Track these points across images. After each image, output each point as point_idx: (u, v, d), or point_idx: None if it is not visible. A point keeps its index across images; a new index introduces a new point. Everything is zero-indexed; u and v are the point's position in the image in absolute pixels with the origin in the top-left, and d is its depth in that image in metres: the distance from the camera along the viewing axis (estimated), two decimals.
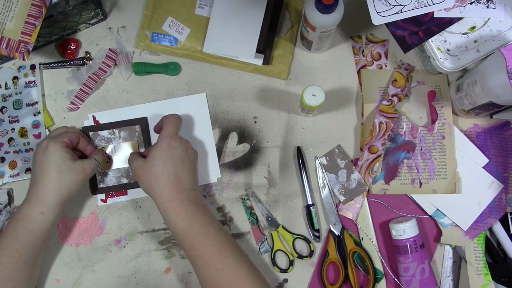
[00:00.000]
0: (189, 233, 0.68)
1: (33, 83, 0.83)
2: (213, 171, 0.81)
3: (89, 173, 0.73)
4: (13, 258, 0.68)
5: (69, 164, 0.71)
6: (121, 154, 0.81)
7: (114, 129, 0.80)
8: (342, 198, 0.79)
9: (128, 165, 0.78)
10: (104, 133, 0.80)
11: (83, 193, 0.81)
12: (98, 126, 0.81)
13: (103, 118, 0.82)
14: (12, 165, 0.81)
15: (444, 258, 0.79)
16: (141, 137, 0.81)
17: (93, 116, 0.82)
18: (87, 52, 0.85)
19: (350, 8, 0.79)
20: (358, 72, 0.83)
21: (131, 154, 0.77)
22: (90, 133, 0.80)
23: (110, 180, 0.80)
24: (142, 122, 0.81)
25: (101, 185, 0.80)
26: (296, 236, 0.79)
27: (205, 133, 0.82)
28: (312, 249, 0.79)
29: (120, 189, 0.80)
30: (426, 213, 0.79)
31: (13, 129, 0.82)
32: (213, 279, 0.67)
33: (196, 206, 0.70)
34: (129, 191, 0.81)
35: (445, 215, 0.78)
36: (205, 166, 0.81)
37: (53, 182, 0.70)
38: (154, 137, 0.81)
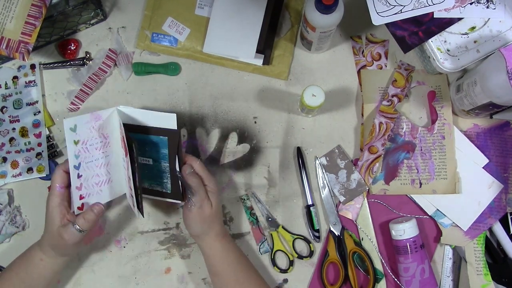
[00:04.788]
0: (237, 267, 0.73)
1: (33, 82, 0.83)
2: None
3: (68, 241, 0.67)
4: None
5: (55, 227, 0.67)
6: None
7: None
8: (342, 198, 0.79)
9: None
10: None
11: None
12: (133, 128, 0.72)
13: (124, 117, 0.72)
14: (14, 164, 0.81)
15: (444, 258, 0.79)
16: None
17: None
18: (87, 52, 0.85)
19: (350, 8, 0.79)
20: (358, 72, 0.83)
21: (202, 199, 0.70)
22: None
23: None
24: (173, 135, 0.71)
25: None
26: (296, 236, 0.79)
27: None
28: (312, 249, 0.79)
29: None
30: (426, 213, 0.79)
31: (13, 128, 0.82)
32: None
33: (234, 242, 0.76)
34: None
35: (445, 215, 0.78)
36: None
37: (47, 236, 0.69)
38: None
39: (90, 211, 0.68)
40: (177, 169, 0.72)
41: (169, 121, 0.70)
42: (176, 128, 0.70)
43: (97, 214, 0.68)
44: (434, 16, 0.74)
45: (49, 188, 0.81)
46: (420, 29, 0.75)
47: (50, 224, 0.68)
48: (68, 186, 0.69)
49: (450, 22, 0.75)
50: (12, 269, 0.71)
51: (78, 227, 0.67)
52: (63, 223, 0.67)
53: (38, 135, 0.81)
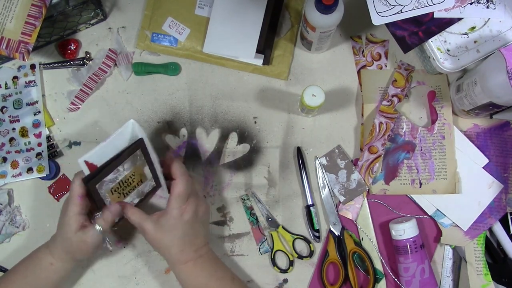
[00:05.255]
0: None
1: (33, 82, 0.83)
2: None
3: (90, 244, 0.67)
4: None
5: (72, 234, 0.67)
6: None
7: (119, 167, 0.67)
8: (342, 198, 0.79)
9: (140, 187, 0.73)
10: (109, 176, 0.66)
11: None
12: (101, 173, 0.65)
13: (95, 159, 0.65)
14: (14, 165, 0.81)
15: (444, 258, 0.79)
16: (143, 159, 0.69)
17: (85, 162, 0.63)
18: (87, 52, 0.85)
19: (350, 8, 0.78)
20: (358, 72, 0.83)
21: (138, 214, 0.69)
22: (96, 185, 0.66)
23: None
24: (141, 144, 0.68)
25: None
26: (296, 236, 0.79)
27: None
28: (312, 249, 0.79)
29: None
30: (426, 213, 0.79)
31: (13, 128, 0.82)
32: None
33: (209, 262, 0.71)
34: None
35: (445, 215, 0.78)
36: None
37: (62, 241, 0.69)
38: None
39: (107, 211, 0.68)
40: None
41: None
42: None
43: (114, 213, 0.68)
44: (434, 16, 0.74)
45: (49, 188, 0.81)
46: (420, 29, 0.75)
47: (66, 231, 0.67)
48: (87, 194, 0.67)
49: (450, 22, 0.75)
50: (17, 271, 0.70)
51: (98, 227, 0.67)
52: (81, 229, 0.67)
53: (38, 135, 0.81)
